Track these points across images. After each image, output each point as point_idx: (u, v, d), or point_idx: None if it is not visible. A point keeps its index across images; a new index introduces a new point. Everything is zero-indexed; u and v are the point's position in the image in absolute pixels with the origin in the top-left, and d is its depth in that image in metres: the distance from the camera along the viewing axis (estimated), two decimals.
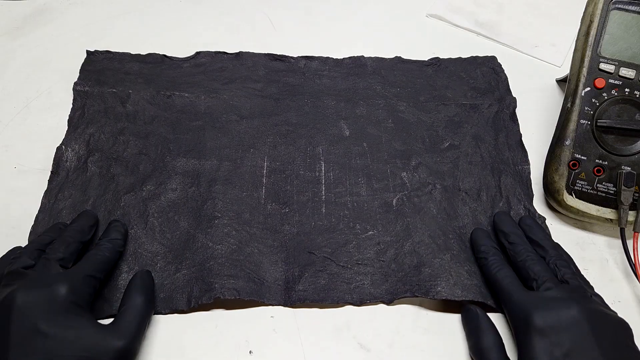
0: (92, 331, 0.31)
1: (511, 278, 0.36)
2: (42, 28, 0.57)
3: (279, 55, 0.54)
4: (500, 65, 0.55)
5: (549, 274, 0.36)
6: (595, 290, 0.41)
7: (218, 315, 0.38)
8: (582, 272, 0.41)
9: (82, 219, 0.39)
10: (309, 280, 0.39)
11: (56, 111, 0.48)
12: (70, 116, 0.47)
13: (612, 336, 0.33)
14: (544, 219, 0.44)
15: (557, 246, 0.39)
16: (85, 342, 0.30)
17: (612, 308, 0.40)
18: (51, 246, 0.36)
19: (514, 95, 0.52)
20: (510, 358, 0.34)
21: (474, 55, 0.56)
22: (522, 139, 0.49)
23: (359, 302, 0.39)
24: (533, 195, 0.46)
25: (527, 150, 0.48)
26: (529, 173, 0.47)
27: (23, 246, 0.37)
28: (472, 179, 0.46)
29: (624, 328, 0.34)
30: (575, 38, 0.46)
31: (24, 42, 0.55)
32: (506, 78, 0.54)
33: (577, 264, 0.42)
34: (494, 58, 0.56)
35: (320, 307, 0.39)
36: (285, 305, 0.38)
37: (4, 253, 0.37)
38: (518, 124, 0.50)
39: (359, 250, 0.41)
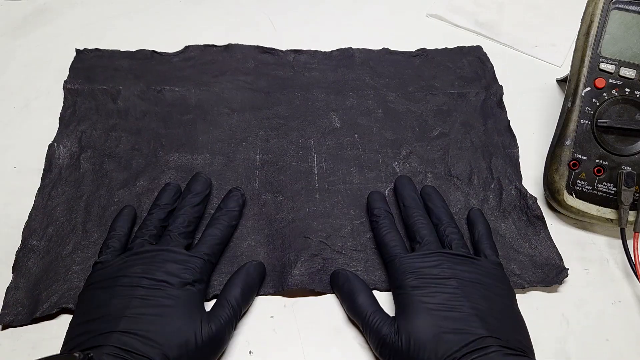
0: (199, 315, 0.33)
1: (396, 242, 0.39)
2: (42, 28, 0.57)
3: (268, 48, 0.54)
4: (486, 54, 0.56)
5: (433, 238, 0.38)
6: (596, 290, 0.41)
7: None
8: (583, 271, 0.41)
9: (198, 186, 0.41)
10: (305, 265, 0.39)
11: (56, 111, 0.48)
12: (61, 114, 0.48)
13: (488, 296, 0.34)
14: (535, 198, 0.44)
15: (452, 216, 0.41)
16: (187, 327, 0.32)
17: (611, 309, 0.40)
18: (173, 222, 0.38)
19: (501, 84, 0.53)
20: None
21: (460, 45, 0.57)
22: (523, 138, 0.49)
23: None
24: (522, 177, 0.46)
25: (528, 150, 0.48)
26: (518, 157, 0.48)
27: (135, 211, 0.41)
28: (463, 164, 0.47)
29: (507, 291, 0.36)
30: (576, 38, 0.46)
31: (24, 42, 0.55)
32: (492, 66, 0.55)
33: (577, 264, 0.42)
34: (479, 47, 0.57)
35: (320, 307, 0.39)
36: (282, 289, 0.38)
37: (118, 213, 0.40)
38: (505, 111, 0.51)
39: (353, 235, 0.42)
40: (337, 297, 0.39)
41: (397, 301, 0.36)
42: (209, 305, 0.36)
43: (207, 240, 0.38)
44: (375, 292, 0.39)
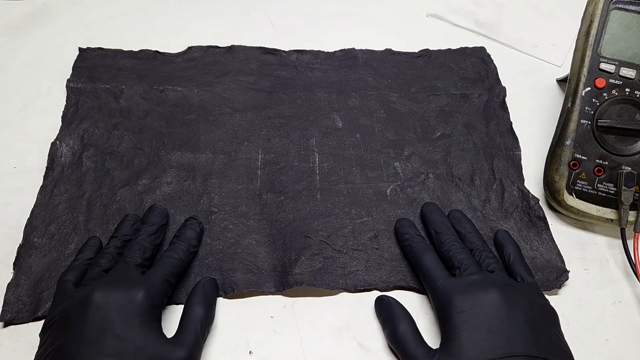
0: (159, 340, 0.32)
1: (435, 263, 0.37)
2: (42, 28, 0.57)
3: (271, 49, 0.55)
4: (489, 55, 0.56)
5: (472, 262, 0.37)
6: (596, 290, 0.41)
7: (218, 315, 0.38)
8: (583, 271, 0.41)
9: (154, 217, 0.40)
10: (305, 264, 0.39)
11: (55, 111, 0.48)
12: (64, 112, 0.48)
13: (533, 318, 0.33)
14: (537, 199, 0.44)
15: (484, 240, 0.40)
16: (152, 350, 0.31)
17: (611, 308, 0.40)
18: (128, 250, 0.37)
19: (504, 85, 0.52)
20: (430, 343, 0.35)
21: (463, 46, 0.57)
22: (523, 138, 0.49)
23: (354, 289, 0.39)
24: (524, 179, 0.46)
25: (528, 150, 0.48)
26: (520, 158, 0.48)
27: (100, 242, 0.39)
28: (465, 165, 0.47)
29: (549, 312, 0.35)
30: (576, 38, 0.46)
31: (24, 42, 0.55)
32: (495, 68, 0.54)
33: (577, 264, 0.42)
34: (482, 48, 0.56)
35: (320, 307, 0.39)
36: (283, 288, 0.38)
37: (83, 244, 0.38)
38: (508, 112, 0.51)
39: (354, 235, 0.42)
40: (379, 322, 0.38)
41: (443, 332, 0.34)
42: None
43: (163, 262, 0.36)
44: (375, 292, 0.39)
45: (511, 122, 0.50)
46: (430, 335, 0.37)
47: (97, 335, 0.30)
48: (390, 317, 0.36)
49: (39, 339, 0.32)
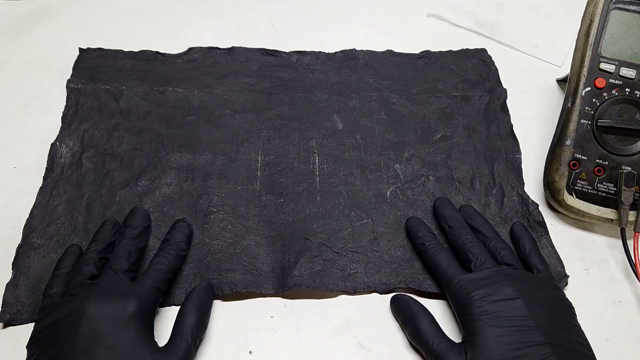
0: (150, 350, 0.32)
1: (449, 261, 0.38)
2: (42, 28, 0.57)
3: (272, 50, 0.54)
4: (491, 57, 0.56)
5: (487, 255, 0.38)
6: (596, 290, 0.41)
7: (218, 315, 0.38)
8: (583, 271, 0.41)
9: (136, 220, 0.39)
10: (305, 266, 0.39)
11: (55, 111, 0.48)
12: (64, 113, 0.48)
13: (551, 309, 0.34)
14: (537, 204, 0.44)
15: (497, 233, 0.40)
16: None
17: (611, 309, 0.40)
18: (113, 256, 0.36)
19: (504, 87, 0.52)
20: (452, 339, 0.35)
21: (464, 48, 0.57)
22: (523, 138, 0.49)
23: (353, 291, 0.39)
24: (524, 183, 0.46)
25: (528, 150, 0.48)
26: (520, 162, 0.48)
27: (81, 249, 0.38)
28: (465, 168, 0.47)
29: (566, 304, 0.36)
30: (576, 38, 0.46)
31: (24, 42, 0.55)
32: (496, 70, 0.54)
33: (577, 264, 0.42)
34: (484, 50, 0.56)
35: (320, 307, 0.39)
36: (282, 290, 0.38)
37: (63, 253, 0.37)
38: (509, 115, 0.51)
39: (354, 237, 0.42)
40: (398, 323, 0.38)
41: (465, 327, 0.35)
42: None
43: (154, 268, 0.36)
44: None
45: (512, 125, 0.50)
46: None
47: (89, 348, 0.30)
48: (411, 315, 0.36)
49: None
